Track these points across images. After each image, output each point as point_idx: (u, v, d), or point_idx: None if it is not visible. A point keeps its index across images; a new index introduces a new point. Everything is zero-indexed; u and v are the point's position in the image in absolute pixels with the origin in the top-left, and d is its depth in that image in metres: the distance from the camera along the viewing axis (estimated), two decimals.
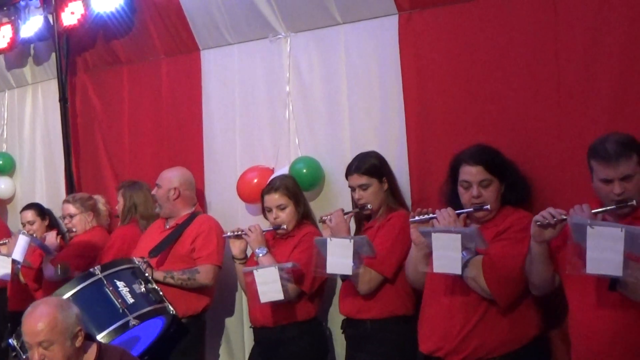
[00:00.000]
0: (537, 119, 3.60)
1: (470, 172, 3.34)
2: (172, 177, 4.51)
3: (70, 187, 5.62)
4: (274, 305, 3.91)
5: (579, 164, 3.26)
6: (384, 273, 3.66)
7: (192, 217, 4.46)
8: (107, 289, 3.98)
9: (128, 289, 4.02)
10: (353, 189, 3.84)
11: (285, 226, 4.02)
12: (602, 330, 2.92)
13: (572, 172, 3.44)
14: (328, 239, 3.60)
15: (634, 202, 2.88)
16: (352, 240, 3.56)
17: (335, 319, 4.19)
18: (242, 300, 4.66)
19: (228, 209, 4.71)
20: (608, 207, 2.91)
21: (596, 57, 3.42)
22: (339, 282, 4.08)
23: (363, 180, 3.78)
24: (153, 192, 4.56)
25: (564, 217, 2.92)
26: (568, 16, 3.48)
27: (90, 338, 3.28)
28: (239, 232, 4.09)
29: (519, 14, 3.64)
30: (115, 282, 4.02)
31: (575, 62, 3.48)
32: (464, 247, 3.15)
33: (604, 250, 2.68)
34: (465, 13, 3.80)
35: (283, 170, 4.36)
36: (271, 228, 4.07)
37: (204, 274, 4.29)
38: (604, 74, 3.40)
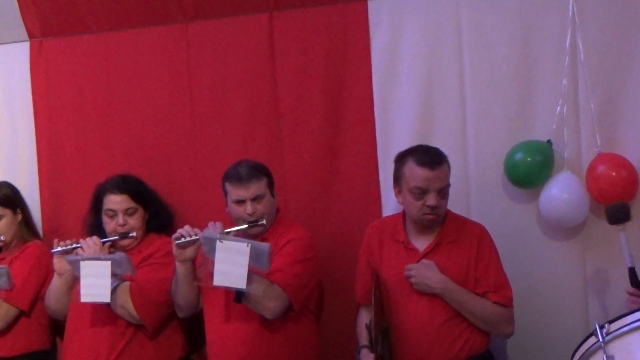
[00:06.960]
0: (175, 149, 3.73)
1: (116, 201, 3.39)
2: None
3: None
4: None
5: (214, 192, 3.44)
6: (21, 306, 3.48)
7: None
8: None
9: None
10: None
11: None
12: (231, 342, 3.09)
13: (209, 199, 3.61)
14: None
15: (264, 222, 3.13)
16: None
17: None
18: None
19: None
20: (240, 227, 3.11)
21: (224, 91, 3.65)
22: None
23: None
24: None
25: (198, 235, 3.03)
26: (199, 49, 3.67)
27: None
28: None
29: (153, 47, 3.74)
30: None
31: (207, 96, 3.68)
32: (112, 274, 3.13)
33: (231, 264, 2.84)
34: (99, 43, 3.81)
35: None
36: None
37: None
38: (235, 107, 3.64)
